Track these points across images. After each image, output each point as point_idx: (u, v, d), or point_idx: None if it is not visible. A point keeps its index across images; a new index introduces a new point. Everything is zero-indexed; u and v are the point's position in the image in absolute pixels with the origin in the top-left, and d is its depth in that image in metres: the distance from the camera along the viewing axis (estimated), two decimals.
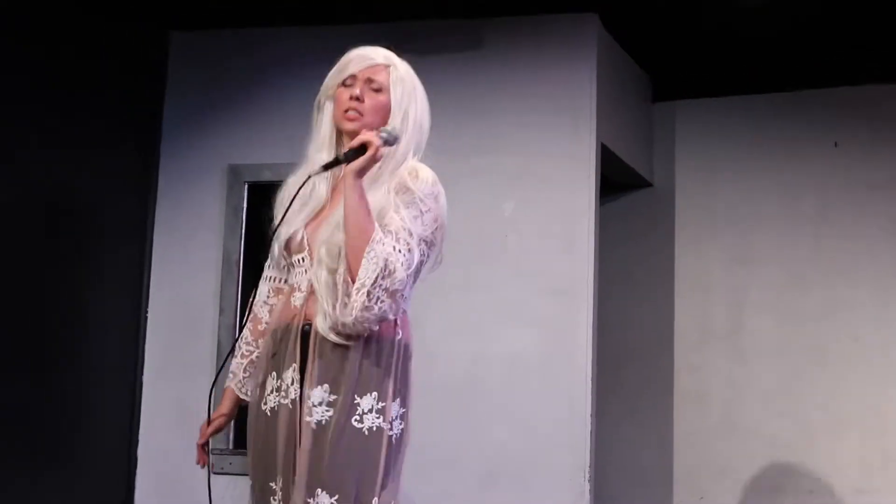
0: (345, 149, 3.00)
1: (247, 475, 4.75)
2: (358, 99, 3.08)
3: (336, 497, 2.92)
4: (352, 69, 3.13)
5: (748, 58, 5.21)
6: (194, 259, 4.98)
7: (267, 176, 4.95)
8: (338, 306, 2.92)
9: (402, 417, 3.05)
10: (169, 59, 5.12)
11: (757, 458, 5.32)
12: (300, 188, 3.11)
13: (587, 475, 4.58)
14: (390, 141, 2.99)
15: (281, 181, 4.93)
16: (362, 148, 2.93)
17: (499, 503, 4.60)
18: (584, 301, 4.67)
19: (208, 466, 3.48)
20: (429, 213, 3.01)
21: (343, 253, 2.93)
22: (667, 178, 5.62)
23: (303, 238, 3.09)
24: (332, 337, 2.95)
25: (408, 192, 3.01)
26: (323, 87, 3.21)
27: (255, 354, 3.23)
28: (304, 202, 3.15)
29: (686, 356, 5.52)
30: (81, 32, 4.67)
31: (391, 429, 3.00)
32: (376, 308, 2.90)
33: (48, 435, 4.54)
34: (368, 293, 2.88)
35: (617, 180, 5.49)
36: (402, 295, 2.95)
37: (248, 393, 3.23)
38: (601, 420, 4.85)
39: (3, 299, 4.31)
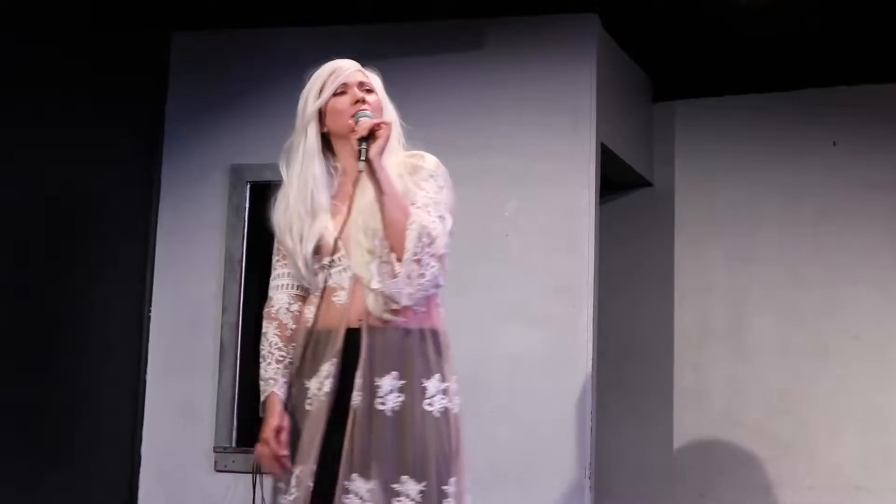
0: (354, 144, 3.11)
1: (250, 473, 4.79)
2: (363, 101, 3.23)
3: (424, 483, 3.06)
4: (341, 79, 3.28)
5: (747, 58, 5.22)
6: (197, 258, 4.99)
7: (269, 176, 4.96)
8: (392, 282, 3.07)
9: (457, 393, 3.22)
10: (171, 59, 5.13)
11: (757, 456, 5.33)
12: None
13: (588, 473, 4.59)
14: (371, 117, 3.17)
15: (282, 181, 4.99)
16: (369, 135, 3.08)
17: (500, 501, 4.61)
18: (584, 300, 4.69)
19: (254, 471, 3.49)
20: (446, 187, 3.21)
21: (382, 234, 3.09)
22: (667, 178, 5.64)
23: (335, 240, 3.18)
24: (388, 316, 3.09)
25: (421, 170, 3.21)
26: (307, 111, 3.31)
27: (288, 360, 3.27)
28: (308, 212, 3.25)
29: (686, 354, 5.53)
30: (84, 33, 4.68)
31: (454, 406, 3.19)
32: (428, 273, 3.08)
33: (52, 434, 4.55)
34: (419, 261, 3.06)
35: (617, 180, 5.50)
36: (446, 258, 3.12)
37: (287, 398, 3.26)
38: (602, 418, 4.87)
39: (7, 299, 4.33)
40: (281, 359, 3.28)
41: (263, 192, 4.98)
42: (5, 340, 4.32)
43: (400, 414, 3.08)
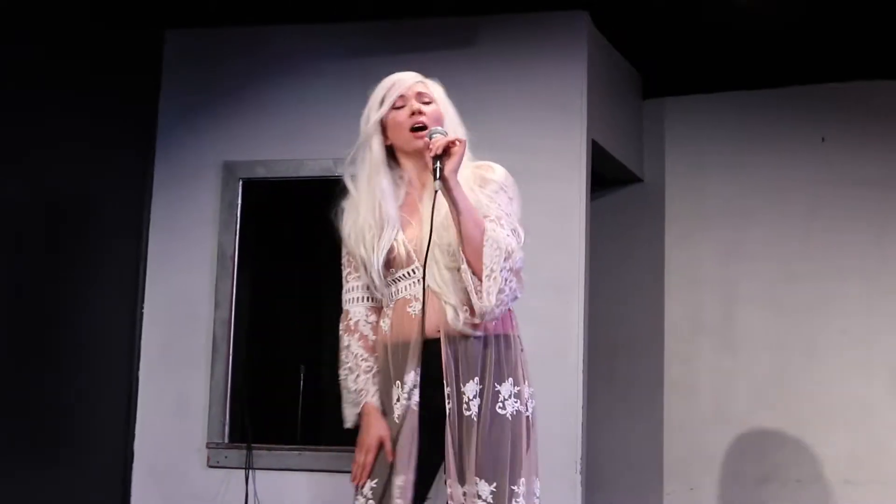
0: (429, 161, 3.15)
1: (242, 468, 4.82)
2: (420, 113, 3.29)
3: (494, 485, 3.14)
4: (399, 91, 3.33)
5: (737, 54, 5.24)
6: (190, 255, 5.00)
7: (261, 172, 4.99)
8: (474, 299, 3.13)
9: (532, 397, 3.30)
10: (164, 56, 5.12)
11: (746, 449, 5.36)
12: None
13: (579, 467, 4.61)
14: (445, 133, 3.20)
15: (274, 177, 5.02)
16: (443, 153, 3.12)
17: None
18: (575, 295, 4.71)
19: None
20: (515, 198, 3.28)
21: (459, 249, 3.15)
22: (657, 174, 5.66)
23: (408, 252, 3.24)
24: (468, 330, 3.18)
25: (491, 183, 3.27)
26: (370, 122, 3.36)
27: (374, 370, 3.34)
28: (377, 223, 3.29)
29: (676, 348, 5.55)
30: (78, 31, 4.68)
31: (527, 410, 3.25)
32: (507, 289, 3.15)
33: (45, 429, 4.55)
34: (497, 277, 3.12)
35: (607, 176, 5.52)
36: (521, 271, 3.19)
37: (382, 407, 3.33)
38: (592, 411, 4.89)
39: (1, 295, 4.33)
40: (368, 369, 3.34)
41: (256, 189, 5.02)
42: None
43: (478, 418, 3.17)
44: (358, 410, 3.32)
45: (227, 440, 4.85)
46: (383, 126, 3.35)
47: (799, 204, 5.40)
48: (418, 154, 3.27)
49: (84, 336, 4.77)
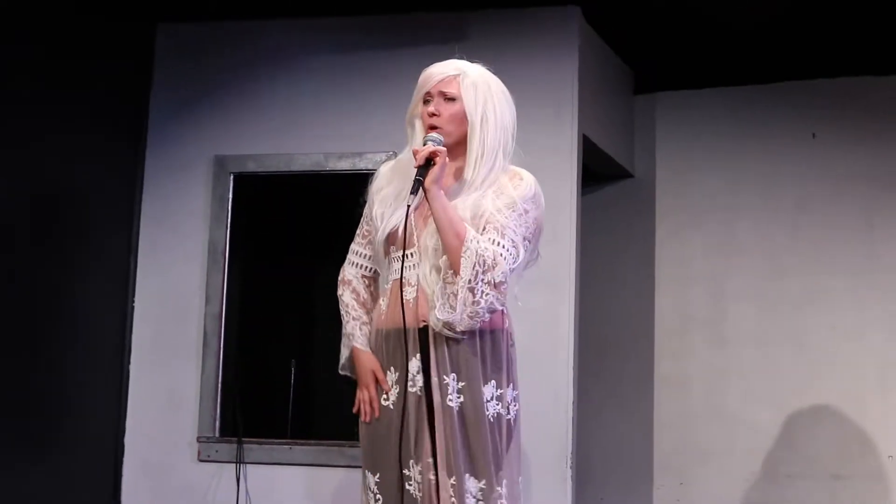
0: (415, 169, 3.21)
1: (233, 462, 4.82)
2: (435, 114, 3.28)
3: (483, 482, 3.18)
4: (427, 87, 3.33)
5: (728, 50, 5.25)
6: (181, 249, 5.00)
7: (252, 167, 4.99)
8: (446, 307, 3.16)
9: (516, 400, 3.31)
10: (155, 50, 5.12)
11: (736, 444, 5.37)
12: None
13: (569, 462, 4.62)
14: (439, 142, 3.23)
15: (266, 172, 5.02)
16: (429, 162, 3.17)
17: None
18: (566, 290, 4.71)
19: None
20: (529, 214, 3.26)
21: (444, 255, 3.19)
22: (647, 169, 5.67)
23: (412, 234, 3.26)
24: (446, 332, 3.18)
25: (510, 195, 3.25)
26: (409, 108, 3.39)
27: (362, 321, 3.40)
28: (397, 196, 3.33)
29: (667, 343, 5.57)
30: (70, 24, 4.67)
31: (508, 413, 3.26)
32: (482, 301, 3.15)
33: (36, 423, 4.55)
34: (472, 289, 3.14)
35: (598, 171, 5.53)
36: (506, 286, 3.18)
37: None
38: (583, 406, 4.90)
39: None
40: (357, 317, 3.41)
41: (247, 183, 5.01)
42: None
43: (461, 414, 3.20)
44: (348, 353, 3.40)
45: (217, 434, 4.85)
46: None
47: (789, 199, 5.42)
48: (447, 148, 3.28)
49: (75, 330, 4.76)
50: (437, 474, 3.18)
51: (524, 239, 3.24)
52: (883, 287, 5.24)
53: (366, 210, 3.46)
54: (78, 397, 4.77)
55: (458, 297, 3.14)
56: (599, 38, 5.16)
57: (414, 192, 3.17)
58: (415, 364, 3.23)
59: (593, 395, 5.42)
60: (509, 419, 3.27)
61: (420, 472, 3.20)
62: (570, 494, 4.60)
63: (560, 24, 4.85)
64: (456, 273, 3.15)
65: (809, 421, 5.28)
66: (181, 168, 5.04)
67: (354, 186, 4.78)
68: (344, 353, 3.42)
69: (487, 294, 3.15)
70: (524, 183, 3.29)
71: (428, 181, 3.16)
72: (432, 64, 3.43)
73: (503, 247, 3.18)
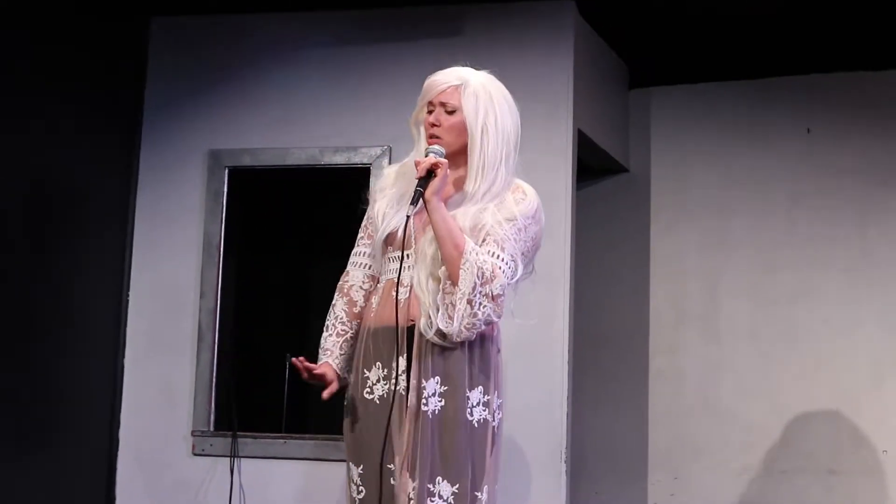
0: (416, 182, 3.24)
1: (227, 456, 4.82)
2: (435, 124, 3.30)
3: (457, 486, 3.18)
4: (428, 97, 3.35)
5: (723, 45, 5.25)
6: (175, 243, 4.99)
7: (247, 161, 4.98)
8: (444, 318, 3.17)
9: (500, 408, 3.32)
10: (150, 43, 5.11)
11: (731, 439, 5.37)
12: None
13: (564, 457, 4.62)
14: (441, 153, 3.26)
15: (261, 166, 5.02)
16: (430, 174, 3.21)
17: None
18: (561, 285, 4.71)
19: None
20: (529, 231, 3.29)
21: (443, 266, 3.20)
22: (642, 164, 5.67)
23: (410, 236, 3.27)
24: (435, 340, 3.20)
25: (511, 210, 3.27)
26: (414, 112, 3.42)
27: (349, 335, 3.41)
28: (400, 198, 3.35)
29: (661, 338, 5.57)
30: (63, 18, 4.67)
31: (493, 419, 3.28)
32: (480, 313, 3.16)
33: (30, 417, 4.55)
34: (470, 301, 3.15)
35: (593, 166, 5.53)
36: (503, 299, 3.20)
37: (345, 371, 3.40)
38: (577, 401, 4.90)
39: None
40: (342, 332, 3.41)
41: (242, 177, 5.01)
42: None
43: (440, 418, 3.20)
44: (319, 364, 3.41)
45: (212, 428, 4.85)
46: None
47: (783, 194, 5.42)
48: (448, 158, 3.31)
49: (70, 324, 4.76)
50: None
51: (522, 254, 3.27)
52: (877, 282, 5.24)
53: (368, 211, 3.48)
54: (72, 391, 4.77)
55: (456, 308, 3.16)
56: (594, 33, 5.16)
57: (414, 202, 3.20)
58: (401, 363, 3.24)
59: (588, 389, 5.43)
60: (494, 426, 3.29)
61: (394, 468, 3.24)
62: (564, 489, 4.60)
63: (555, 19, 4.84)
64: (454, 284, 3.17)
65: (804, 415, 5.28)
66: (176, 162, 5.04)
67: (350, 180, 4.82)
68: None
69: (485, 306, 3.17)
70: (527, 199, 3.32)
71: (428, 193, 3.19)
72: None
73: (502, 260, 3.21)
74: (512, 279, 3.24)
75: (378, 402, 3.27)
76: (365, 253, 3.46)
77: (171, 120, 5.06)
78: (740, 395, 5.38)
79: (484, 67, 4.82)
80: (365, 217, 3.50)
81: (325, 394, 3.36)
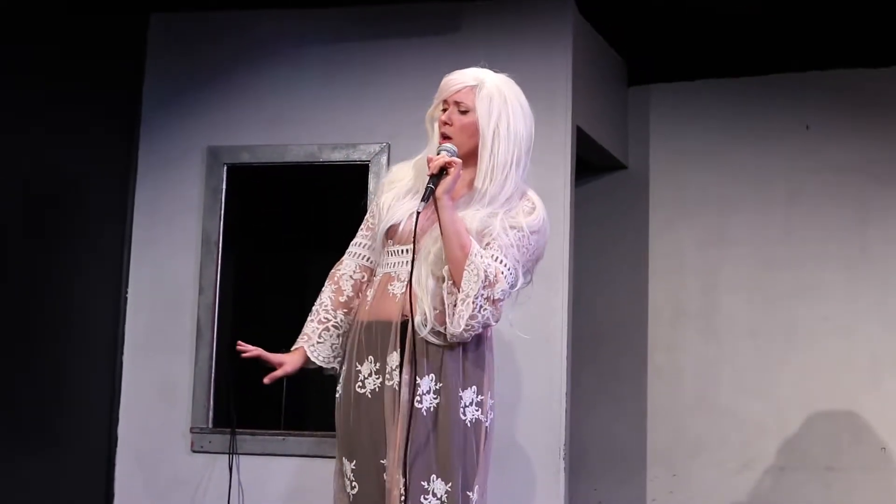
0: (427, 178, 3.26)
1: (226, 453, 4.82)
2: (448, 123, 3.32)
3: (450, 485, 3.19)
4: (443, 95, 3.36)
5: (722, 42, 5.25)
6: (174, 240, 4.99)
7: (246, 158, 4.98)
8: (447, 319, 3.19)
9: (493, 409, 3.35)
10: (148, 40, 5.11)
11: (729, 436, 5.38)
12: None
13: (563, 453, 4.62)
14: (454, 152, 3.27)
15: (259, 163, 5.02)
16: (442, 172, 3.22)
17: None
18: (559, 282, 4.71)
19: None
20: (533, 243, 3.32)
21: (446, 265, 3.20)
22: (641, 161, 5.67)
23: (412, 231, 3.27)
24: (430, 338, 3.22)
25: (519, 220, 3.30)
26: (430, 109, 3.44)
27: (331, 323, 3.43)
28: (407, 192, 3.37)
29: (660, 335, 5.57)
30: (62, 14, 4.66)
31: (486, 420, 3.29)
32: (480, 316, 3.18)
33: (29, 414, 4.55)
34: (472, 303, 3.16)
35: (592, 163, 5.53)
36: (503, 304, 3.23)
37: (321, 359, 3.44)
38: (575, 397, 4.91)
39: None
40: (325, 320, 3.43)
41: (240, 174, 5.01)
42: None
43: (434, 416, 3.22)
44: (294, 347, 3.45)
45: (211, 425, 4.85)
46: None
47: (782, 191, 5.42)
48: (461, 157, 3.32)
49: (68, 321, 4.76)
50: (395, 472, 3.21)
51: (522, 264, 3.30)
52: (875, 278, 5.25)
53: (372, 203, 3.50)
54: (71, 388, 4.77)
55: (457, 308, 3.17)
56: (593, 30, 5.16)
57: (425, 199, 3.21)
58: (395, 358, 3.25)
59: (587, 386, 5.43)
60: (486, 426, 3.30)
61: (386, 463, 3.25)
62: (563, 486, 4.61)
63: (554, 16, 4.84)
64: (456, 285, 3.18)
65: (802, 412, 5.29)
66: (174, 159, 5.04)
67: (348, 177, 4.82)
68: (292, 347, 3.47)
69: (485, 309, 3.19)
70: (535, 213, 3.35)
71: (439, 191, 3.20)
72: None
73: (505, 265, 3.22)
74: (512, 288, 3.27)
75: (370, 396, 3.28)
76: (363, 244, 3.47)
77: (170, 117, 5.06)
78: (739, 393, 5.38)
79: (483, 64, 4.88)
80: (369, 209, 3.50)
81: (267, 379, 3.41)
